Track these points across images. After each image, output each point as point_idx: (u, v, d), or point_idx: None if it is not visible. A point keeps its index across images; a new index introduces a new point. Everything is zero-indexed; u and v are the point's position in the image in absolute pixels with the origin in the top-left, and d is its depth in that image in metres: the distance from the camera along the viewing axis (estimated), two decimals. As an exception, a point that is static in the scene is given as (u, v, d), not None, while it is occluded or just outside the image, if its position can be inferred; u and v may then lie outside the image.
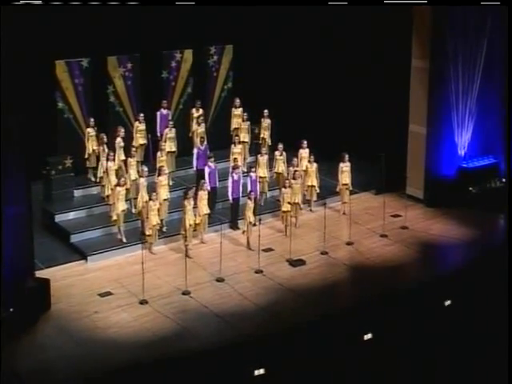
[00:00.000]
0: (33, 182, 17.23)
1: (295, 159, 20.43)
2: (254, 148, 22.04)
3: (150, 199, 18.10)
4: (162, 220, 18.66)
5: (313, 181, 20.48)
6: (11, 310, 14.91)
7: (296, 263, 17.99)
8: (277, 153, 20.80)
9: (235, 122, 22.14)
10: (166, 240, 18.85)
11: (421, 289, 17.00)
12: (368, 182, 22.00)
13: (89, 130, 20.29)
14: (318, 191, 20.66)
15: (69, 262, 17.82)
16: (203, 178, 19.39)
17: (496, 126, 21.29)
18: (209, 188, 19.07)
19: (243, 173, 20.43)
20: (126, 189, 18.62)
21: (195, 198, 18.66)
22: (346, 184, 20.43)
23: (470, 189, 21.01)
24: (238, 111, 22.15)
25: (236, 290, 16.81)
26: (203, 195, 18.60)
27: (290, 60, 23.54)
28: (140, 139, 20.70)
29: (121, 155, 19.80)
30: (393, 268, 17.93)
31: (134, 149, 19.78)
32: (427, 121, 20.92)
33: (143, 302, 16.21)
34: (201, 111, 21.84)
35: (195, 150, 20.42)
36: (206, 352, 14.60)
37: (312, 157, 20.51)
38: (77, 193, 20.11)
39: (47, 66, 19.97)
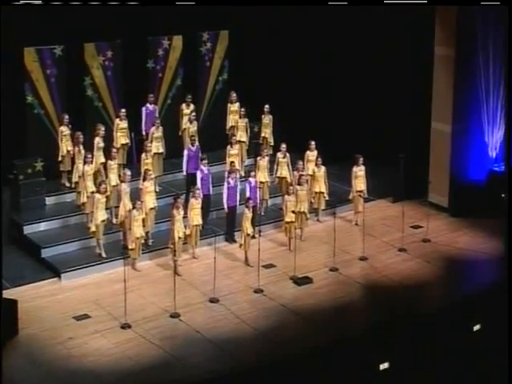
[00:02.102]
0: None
1: (300, 162, 20.47)
2: (253, 149, 22.06)
3: (134, 208, 18.13)
4: (147, 232, 18.69)
5: (321, 187, 20.52)
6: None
7: (301, 281, 18.01)
8: (279, 154, 20.84)
9: (231, 119, 22.20)
10: (152, 255, 18.88)
11: (446, 311, 17.00)
12: (384, 187, 22.04)
13: (62, 128, 20.31)
14: (327, 198, 20.71)
15: (40, 281, 17.83)
16: (195, 184, 19.43)
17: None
18: (201, 195, 19.09)
19: (241, 177, 20.46)
20: (106, 196, 18.64)
21: (185, 206, 18.69)
22: (360, 191, 20.47)
23: (503, 196, 21.02)
24: (234, 107, 22.20)
25: (232, 312, 16.82)
26: (195, 203, 18.63)
27: (294, 48, 23.57)
28: (122, 139, 20.74)
29: (100, 157, 19.83)
30: (413, 287, 17.94)
31: (114, 150, 19.80)
32: (453, 117, 20.97)
33: (125, 327, 16.20)
34: (192, 107, 21.91)
35: (186, 152, 20.46)
36: (197, 384, 14.61)
37: (320, 159, 20.56)
38: (49, 200, 20.14)
39: (15, 53, 19.98)
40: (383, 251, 19.44)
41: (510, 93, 20.55)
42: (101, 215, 18.27)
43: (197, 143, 20.57)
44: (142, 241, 18.39)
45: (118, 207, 18.82)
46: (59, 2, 17.98)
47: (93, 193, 18.59)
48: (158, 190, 20.27)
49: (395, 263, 18.93)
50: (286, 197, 19.38)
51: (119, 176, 19.29)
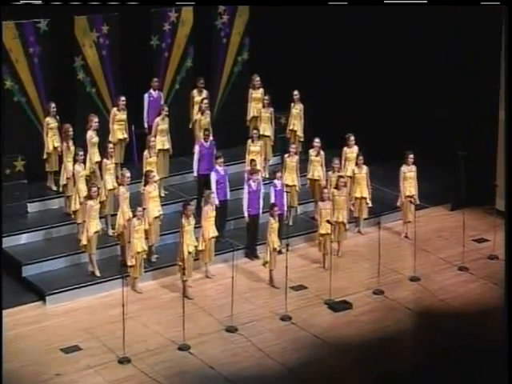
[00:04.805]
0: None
1: (337, 160, 20.51)
2: (280, 145, 22.11)
3: (134, 216, 18.22)
4: (150, 246, 18.78)
5: (362, 191, 20.56)
6: None
7: (339, 307, 18.05)
8: (312, 152, 20.89)
9: (253, 109, 22.27)
10: (157, 273, 18.98)
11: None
12: (440, 192, 22.05)
13: (48, 119, 20.44)
14: (370, 205, 20.74)
15: (20, 305, 17.92)
16: (208, 187, 19.50)
17: None
18: (216, 201, 19.17)
19: (264, 180, 20.52)
20: (101, 202, 18.74)
21: (197, 214, 18.75)
22: (410, 196, 20.49)
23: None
24: (257, 93, 22.27)
25: (254, 343, 16.87)
26: (209, 211, 18.69)
27: (329, 22, 23.53)
28: (119, 132, 20.86)
29: (94, 155, 19.95)
30: (477, 314, 17.95)
31: (111, 146, 19.89)
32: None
33: (124, 361, 16.27)
34: (205, 93, 21.99)
35: (197, 148, 20.55)
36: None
37: (361, 157, 20.59)
38: (31, 207, 20.28)
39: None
40: (439, 270, 19.45)
41: (511, 94, 20.43)
42: (94, 225, 18.36)
43: (211, 138, 20.65)
44: (144, 256, 18.47)
45: (115, 215, 18.90)
46: (59, 1, 18.56)
47: (86, 198, 18.65)
48: (163, 194, 20.38)
49: (454, 285, 18.94)
50: (320, 203, 19.43)
51: (116, 178, 19.38)
